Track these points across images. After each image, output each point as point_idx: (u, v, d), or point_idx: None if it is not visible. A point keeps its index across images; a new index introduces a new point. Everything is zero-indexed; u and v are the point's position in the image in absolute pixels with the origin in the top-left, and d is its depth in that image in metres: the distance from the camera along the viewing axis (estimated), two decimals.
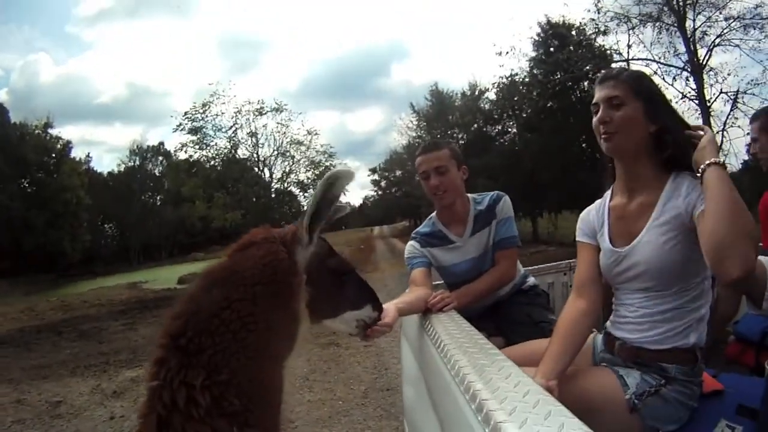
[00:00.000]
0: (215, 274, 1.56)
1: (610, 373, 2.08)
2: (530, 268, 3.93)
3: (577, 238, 2.45)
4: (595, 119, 2.17)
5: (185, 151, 30.56)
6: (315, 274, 1.70)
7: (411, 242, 3.31)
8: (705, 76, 22.84)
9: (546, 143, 28.22)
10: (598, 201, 2.41)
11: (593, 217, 2.38)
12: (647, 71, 23.61)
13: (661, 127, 2.08)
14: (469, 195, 3.27)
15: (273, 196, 31.73)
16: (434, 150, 3.16)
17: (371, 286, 2.00)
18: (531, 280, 3.48)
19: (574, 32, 26.86)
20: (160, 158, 68.58)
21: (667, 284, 2.03)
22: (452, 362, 1.65)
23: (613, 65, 26.97)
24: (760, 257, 3.20)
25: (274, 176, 32.02)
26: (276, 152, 31.54)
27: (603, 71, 2.26)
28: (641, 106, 2.08)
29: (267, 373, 1.49)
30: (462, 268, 3.21)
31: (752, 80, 22.54)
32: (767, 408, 1.94)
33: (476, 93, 38.45)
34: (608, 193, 2.35)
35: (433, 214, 3.36)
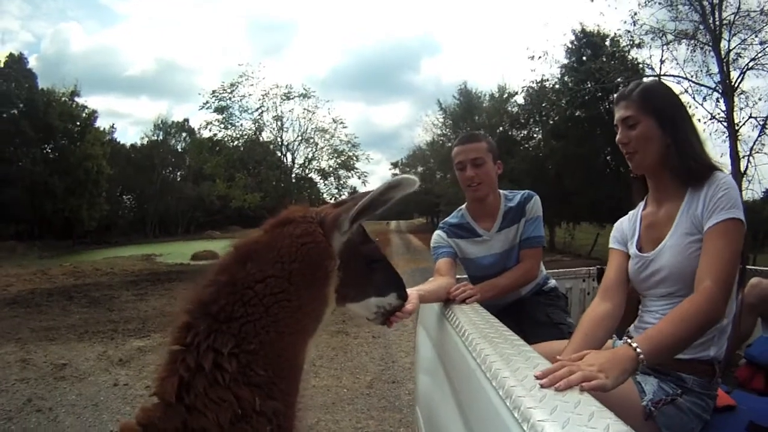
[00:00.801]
0: (251, 247, 1.56)
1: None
2: (550, 271, 3.91)
3: (609, 245, 2.48)
4: (616, 139, 2.25)
5: (210, 130, 30.63)
6: (347, 260, 1.69)
7: (438, 231, 3.32)
8: (735, 99, 22.62)
9: (571, 152, 28.14)
10: (632, 211, 2.46)
11: (626, 226, 2.42)
12: (677, 88, 23.55)
13: (673, 139, 2.12)
14: (500, 191, 3.28)
15: (293, 181, 31.71)
16: (472, 141, 3.17)
17: None
18: (552, 282, 3.48)
19: (608, 43, 26.76)
20: (184, 134, 68.69)
21: (689, 290, 2.00)
22: (477, 350, 1.64)
23: (644, 80, 26.92)
24: None
25: (296, 162, 31.99)
26: (300, 138, 31.53)
27: (619, 91, 2.28)
28: (654, 122, 2.15)
29: (293, 349, 1.52)
30: (486, 262, 3.22)
31: None
32: None
33: (505, 96, 38.35)
34: (642, 203, 2.39)
35: (463, 206, 3.36)
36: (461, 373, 1.83)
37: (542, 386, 1.28)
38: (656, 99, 2.19)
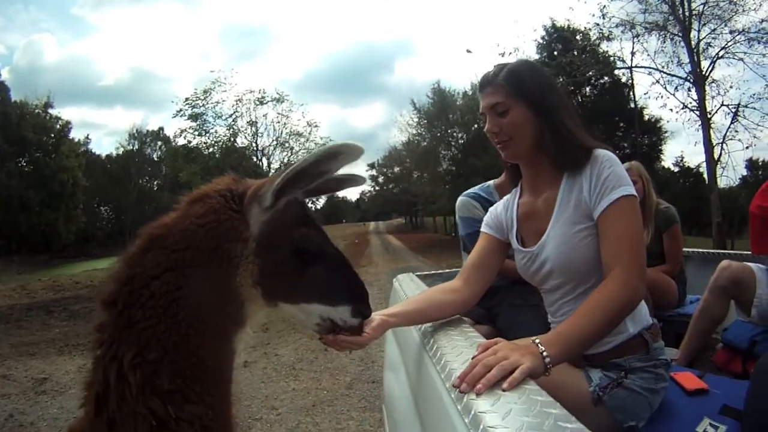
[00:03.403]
0: (154, 232, 1.38)
1: (575, 368, 2.02)
2: None
3: (481, 228, 2.34)
4: (485, 129, 2.12)
5: (184, 137, 30.25)
6: (271, 244, 1.41)
7: (467, 201, 3.33)
8: (707, 88, 22.84)
9: None
10: (506, 196, 2.34)
11: (501, 213, 2.28)
12: (649, 79, 23.77)
13: (547, 124, 2.01)
14: None
15: None
16: None
17: (366, 285, 1.58)
18: None
19: (578, 37, 26.89)
20: (159, 143, 68.24)
21: (581, 279, 1.97)
22: (431, 343, 1.63)
23: (616, 72, 27.05)
24: (750, 264, 3.20)
25: (272, 166, 31.65)
26: (275, 142, 31.40)
27: (482, 76, 2.18)
28: (526, 107, 2.02)
29: (206, 351, 1.33)
30: None
31: (754, 94, 22.57)
32: (751, 409, 1.93)
33: (478, 93, 38.50)
34: (517, 190, 2.29)
35: (493, 182, 3.37)
36: (417, 369, 1.81)
37: (461, 392, 1.24)
38: (525, 81, 2.04)
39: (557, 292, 2.07)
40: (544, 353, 1.49)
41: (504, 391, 1.23)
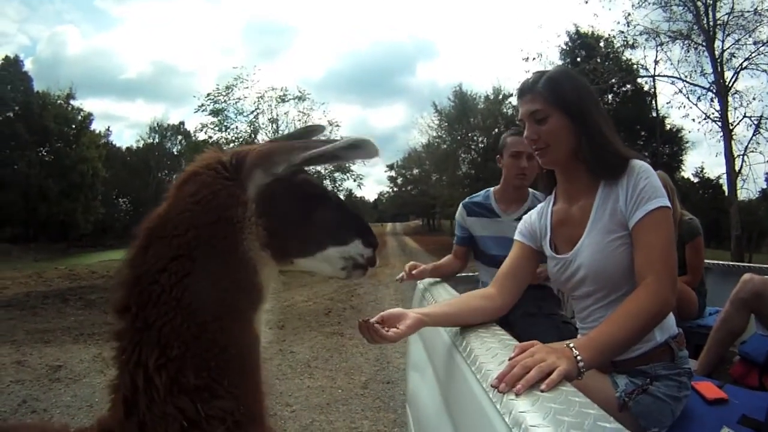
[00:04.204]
0: (150, 226, 1.38)
1: (602, 374, 2.03)
2: None
3: (514, 237, 2.38)
4: (524, 135, 2.14)
5: (205, 132, 29.77)
6: (274, 201, 1.41)
7: (460, 208, 3.54)
8: (730, 99, 22.64)
9: None
10: (540, 205, 2.38)
11: (535, 221, 2.32)
12: (672, 89, 23.56)
13: (585, 132, 2.03)
14: (530, 189, 3.47)
15: None
16: None
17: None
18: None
19: (602, 44, 26.77)
20: (180, 137, 67.97)
21: (614, 287, 2.00)
22: (463, 344, 1.64)
23: (639, 80, 26.89)
24: None
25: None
26: None
27: (521, 83, 2.20)
28: (564, 116, 2.05)
29: (227, 337, 1.32)
30: (491, 243, 3.40)
31: None
32: None
33: (500, 97, 38.38)
34: (551, 198, 2.32)
35: (493, 188, 3.55)
36: (448, 369, 1.82)
37: (500, 392, 1.25)
38: (564, 89, 2.07)
39: (589, 299, 2.09)
40: (578, 357, 1.50)
41: (542, 391, 1.24)
